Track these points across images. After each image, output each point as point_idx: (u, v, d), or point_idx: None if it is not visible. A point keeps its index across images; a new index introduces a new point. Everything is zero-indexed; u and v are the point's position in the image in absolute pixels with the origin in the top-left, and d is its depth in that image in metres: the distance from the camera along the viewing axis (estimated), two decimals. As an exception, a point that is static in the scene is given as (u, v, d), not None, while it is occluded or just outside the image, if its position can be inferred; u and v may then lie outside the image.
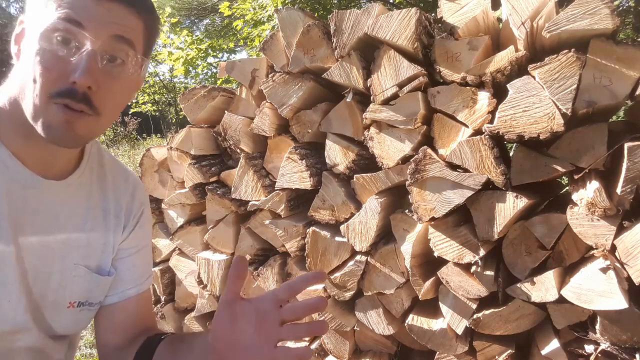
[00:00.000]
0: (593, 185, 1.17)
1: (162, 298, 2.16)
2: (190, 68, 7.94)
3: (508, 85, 1.26)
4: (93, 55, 0.71)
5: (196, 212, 2.00)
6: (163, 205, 2.01)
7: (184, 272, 2.03)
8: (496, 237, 1.32)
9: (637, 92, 1.15)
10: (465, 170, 1.32)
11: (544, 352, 1.34)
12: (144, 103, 11.16)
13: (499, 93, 1.30)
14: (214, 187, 1.85)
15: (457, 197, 1.33)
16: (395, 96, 1.42)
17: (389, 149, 1.46)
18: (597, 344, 1.32)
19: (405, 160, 1.45)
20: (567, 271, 1.33)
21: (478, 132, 1.33)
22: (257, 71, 1.73)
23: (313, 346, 1.78)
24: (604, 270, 1.19)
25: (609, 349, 1.29)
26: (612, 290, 1.18)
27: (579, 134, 1.21)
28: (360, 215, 1.53)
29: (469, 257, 1.36)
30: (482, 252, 1.34)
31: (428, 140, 1.44)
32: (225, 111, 1.79)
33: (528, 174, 1.29)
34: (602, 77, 1.16)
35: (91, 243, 0.90)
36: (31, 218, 0.81)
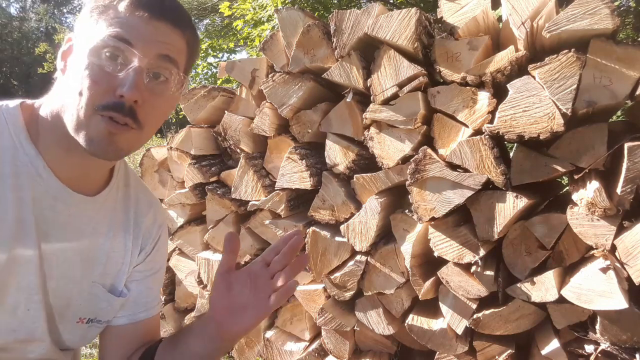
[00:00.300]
0: (593, 185, 1.17)
1: (162, 298, 2.16)
2: (190, 68, 7.90)
3: (508, 85, 1.26)
4: (140, 72, 0.73)
5: (196, 212, 2.00)
6: (163, 205, 2.01)
7: (184, 272, 2.03)
8: (496, 237, 1.32)
9: (637, 92, 1.15)
10: (465, 170, 1.32)
11: (544, 352, 1.35)
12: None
13: (499, 93, 1.30)
14: (214, 187, 1.85)
15: (457, 197, 1.33)
16: (395, 96, 1.42)
17: (389, 149, 1.46)
18: (597, 344, 1.32)
19: (405, 160, 1.45)
20: (567, 271, 1.33)
21: (478, 132, 1.33)
22: (257, 71, 1.73)
23: (313, 346, 1.79)
24: (604, 270, 1.19)
25: (609, 349, 1.29)
26: (612, 290, 1.18)
27: (579, 134, 1.21)
28: (360, 215, 1.53)
29: (469, 257, 1.36)
30: (482, 252, 1.34)
31: (428, 140, 1.44)
32: (225, 111, 1.79)
33: (528, 174, 1.29)
34: (602, 77, 1.16)
35: (109, 262, 0.91)
36: (57, 230, 0.81)
